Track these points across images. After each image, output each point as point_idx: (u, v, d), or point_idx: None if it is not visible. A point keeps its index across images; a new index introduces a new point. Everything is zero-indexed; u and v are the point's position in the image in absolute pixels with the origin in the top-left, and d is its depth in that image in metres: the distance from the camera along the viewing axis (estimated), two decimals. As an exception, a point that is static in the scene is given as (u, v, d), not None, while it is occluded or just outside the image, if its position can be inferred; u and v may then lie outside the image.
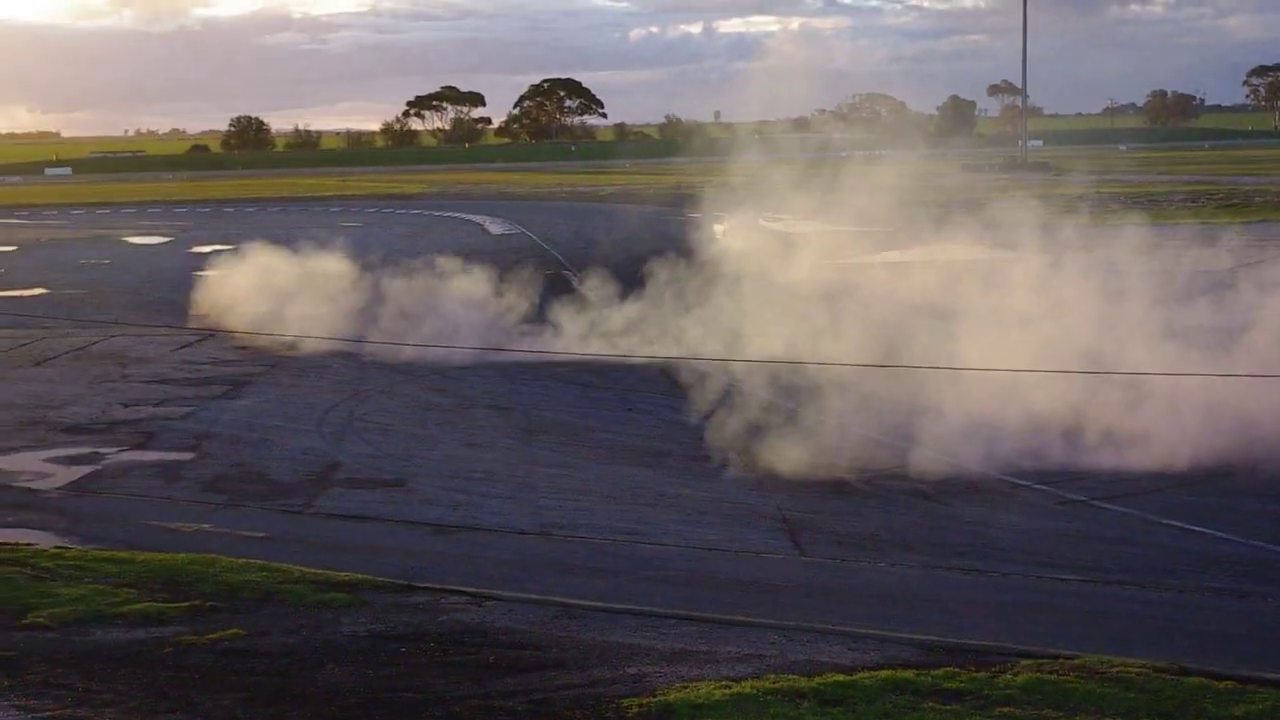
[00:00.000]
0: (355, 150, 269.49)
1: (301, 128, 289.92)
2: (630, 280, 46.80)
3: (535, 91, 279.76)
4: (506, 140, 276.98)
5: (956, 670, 15.96)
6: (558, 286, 53.58)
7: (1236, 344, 32.50)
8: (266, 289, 47.95)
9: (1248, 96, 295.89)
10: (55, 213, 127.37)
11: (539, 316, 45.92)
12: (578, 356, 41.14)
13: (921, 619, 18.72)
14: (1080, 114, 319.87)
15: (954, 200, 59.67)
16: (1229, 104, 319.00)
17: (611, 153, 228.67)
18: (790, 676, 15.77)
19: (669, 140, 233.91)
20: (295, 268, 50.57)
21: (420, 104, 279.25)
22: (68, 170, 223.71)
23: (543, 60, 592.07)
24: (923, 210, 51.43)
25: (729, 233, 53.22)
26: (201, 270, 58.49)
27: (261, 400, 37.23)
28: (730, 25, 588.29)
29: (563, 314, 45.30)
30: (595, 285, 47.50)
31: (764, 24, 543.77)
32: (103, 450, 31.00)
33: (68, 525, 24.13)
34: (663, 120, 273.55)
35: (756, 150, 50.43)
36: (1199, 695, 15.28)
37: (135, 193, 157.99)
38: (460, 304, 45.28)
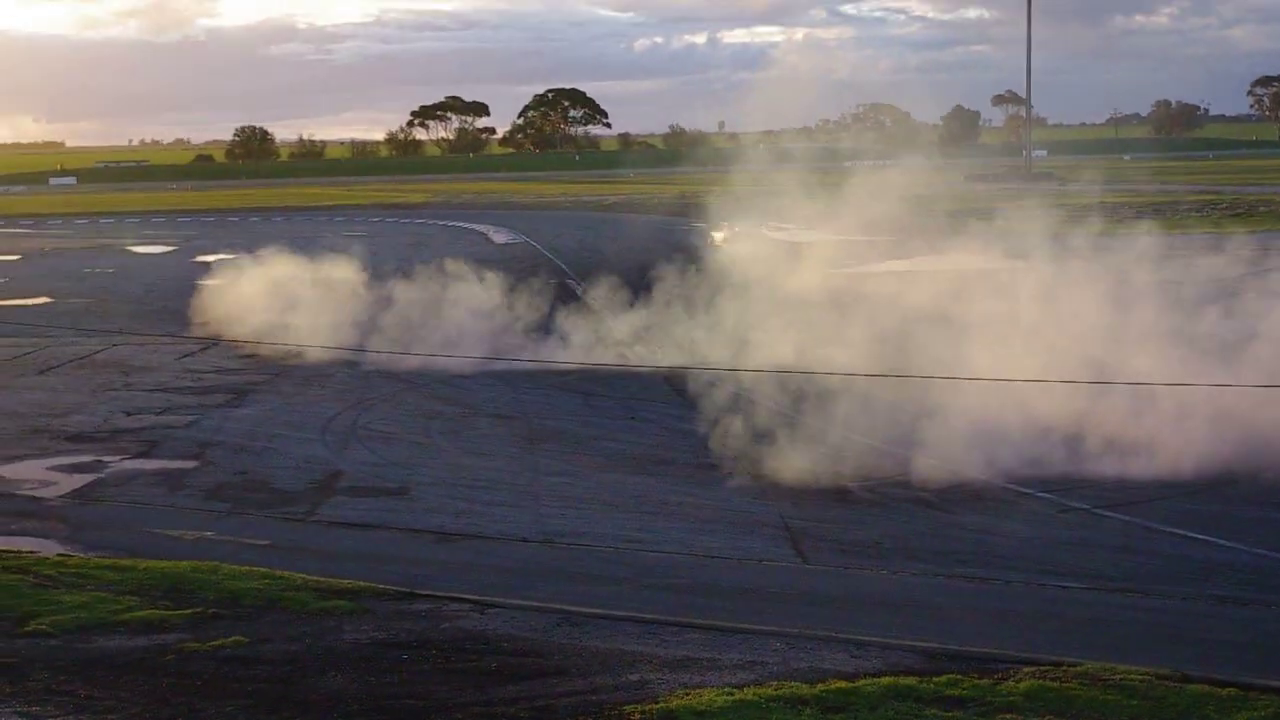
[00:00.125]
0: (360, 160, 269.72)
1: (306, 137, 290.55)
2: (634, 289, 46.83)
3: (539, 101, 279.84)
4: (511, 150, 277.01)
5: (959, 677, 15.94)
6: (561, 295, 53.64)
7: (1241, 353, 32.48)
8: (270, 298, 47.98)
9: (1252, 107, 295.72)
10: (60, 222, 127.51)
11: (542, 325, 45.92)
12: (581, 365, 41.20)
13: (924, 626, 18.71)
14: (1084, 124, 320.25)
15: (957, 210, 59.71)
16: (1233, 114, 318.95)
17: (616, 162, 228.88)
18: (793, 683, 15.75)
19: (673, 150, 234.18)
20: (298, 277, 50.62)
21: (425, 114, 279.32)
22: (72, 180, 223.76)
23: (547, 70, 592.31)
24: (925, 219, 51.49)
25: (733, 241, 53.26)
26: (205, 280, 58.50)
27: (264, 409, 37.26)
28: (735, 36, 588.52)
29: (566, 323, 45.34)
30: (599, 294, 47.52)
31: (768, 34, 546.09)
32: (106, 458, 31.01)
33: (70, 533, 24.12)
34: (667, 130, 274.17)
35: (760, 160, 50.48)
36: (1202, 702, 15.26)
37: (139, 202, 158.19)
38: (464, 313, 45.27)
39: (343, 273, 51.85)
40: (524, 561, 22.83)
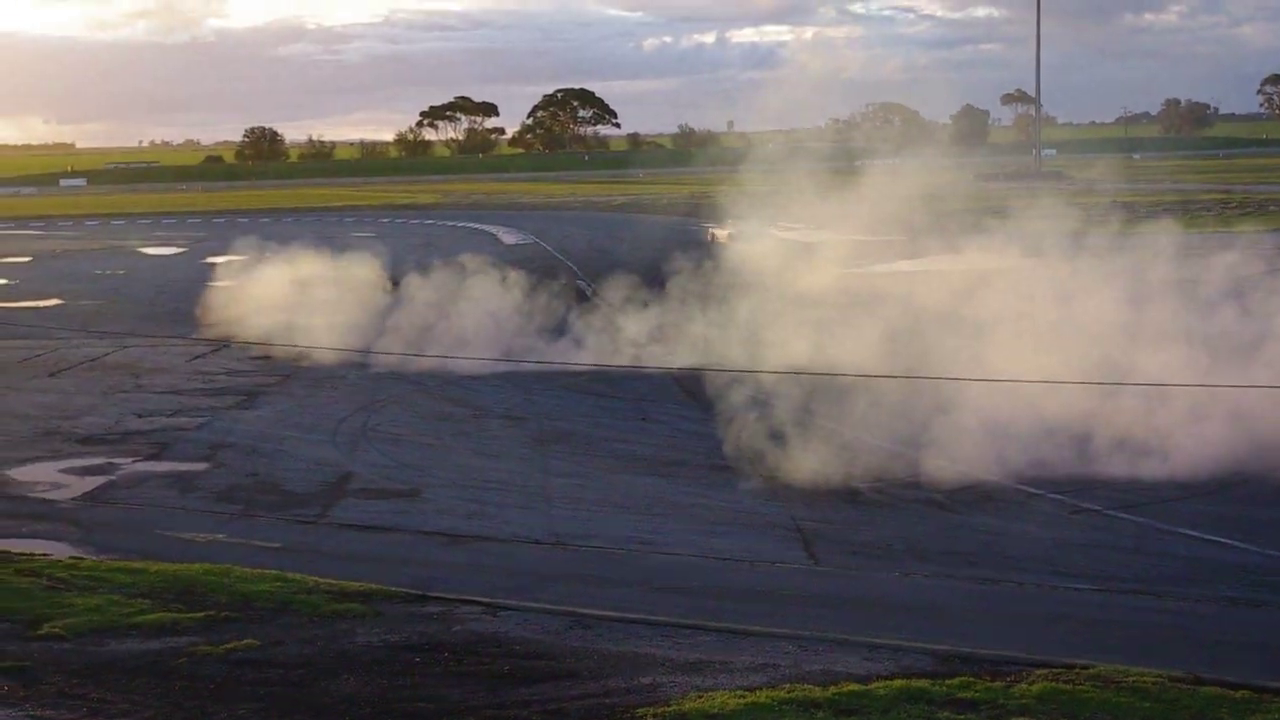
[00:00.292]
0: (369, 161, 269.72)
1: (315, 138, 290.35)
2: (644, 290, 46.77)
3: (548, 101, 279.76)
4: (520, 150, 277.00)
5: (971, 679, 15.92)
6: (571, 296, 53.60)
7: (1256, 353, 32.39)
8: (279, 300, 48.00)
9: (1262, 105, 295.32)
10: (70, 224, 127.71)
11: (553, 326, 45.90)
12: (592, 366, 41.20)
13: (936, 628, 18.69)
14: (1094, 123, 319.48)
15: (969, 209, 59.60)
16: (1243, 112, 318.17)
17: (625, 162, 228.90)
18: (805, 686, 15.74)
19: (682, 150, 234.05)
20: (308, 278, 50.64)
21: (434, 114, 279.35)
22: (83, 181, 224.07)
23: (556, 70, 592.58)
24: (937, 218, 51.37)
25: (742, 241, 53.15)
26: (215, 281, 58.54)
27: (275, 411, 37.30)
28: (743, 35, 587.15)
29: (576, 324, 45.35)
30: (609, 295, 47.51)
31: (777, 34, 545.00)
32: (117, 461, 31.06)
33: (82, 535, 24.17)
34: (676, 130, 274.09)
35: (769, 160, 50.38)
36: (1214, 704, 15.23)
37: (149, 204, 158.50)
38: (473, 314, 45.25)
39: (352, 274, 51.81)
40: (535, 563, 22.85)
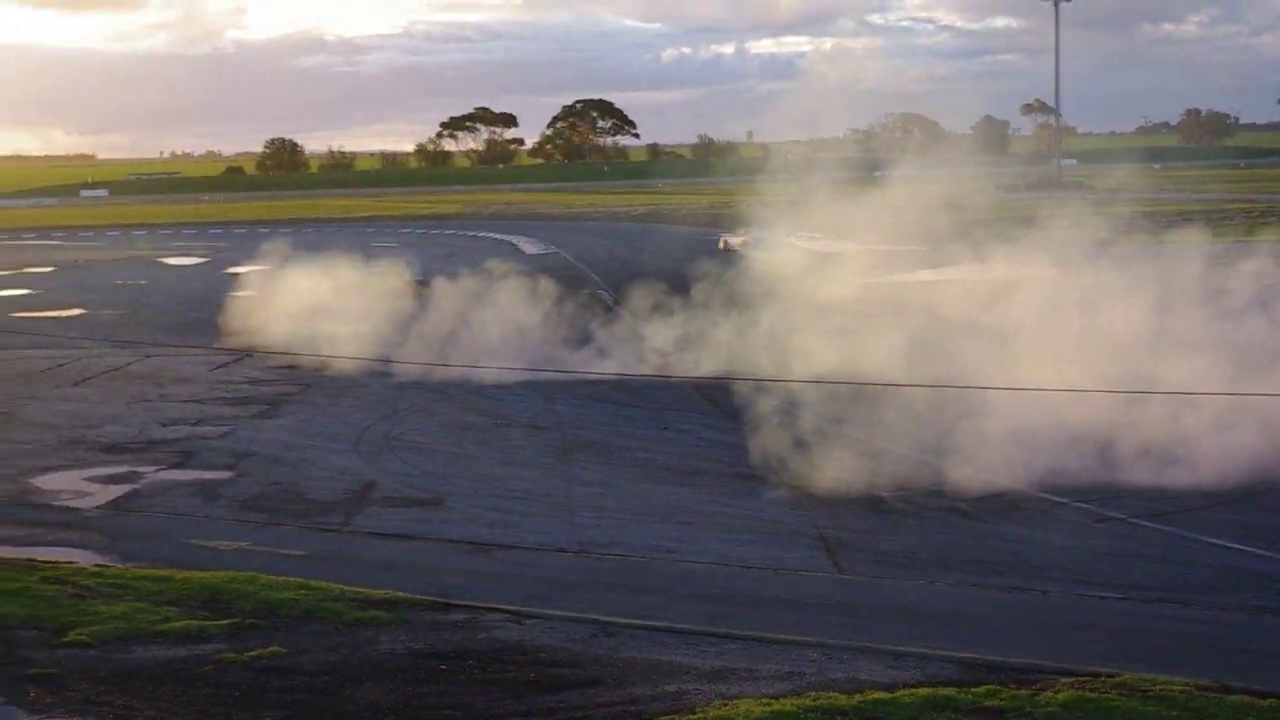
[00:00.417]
0: (389, 171, 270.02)
1: (336, 149, 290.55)
2: (664, 299, 46.82)
3: (568, 112, 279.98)
4: (539, 161, 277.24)
5: (998, 688, 15.87)
6: (592, 306, 53.68)
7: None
8: (302, 309, 48.06)
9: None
10: (91, 234, 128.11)
11: (574, 335, 45.92)
12: (613, 375, 41.22)
13: (961, 637, 18.66)
14: (1114, 133, 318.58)
15: (990, 219, 59.53)
16: (1264, 122, 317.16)
17: (644, 173, 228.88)
18: (830, 694, 15.71)
19: (702, 160, 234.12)
20: (330, 288, 50.71)
21: (454, 125, 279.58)
22: (104, 192, 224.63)
23: (575, 81, 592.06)
24: (956, 229, 51.34)
25: (760, 250, 53.17)
26: (236, 291, 58.66)
27: (298, 419, 37.34)
28: (762, 46, 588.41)
29: (598, 333, 45.41)
30: (629, 304, 47.52)
31: (796, 44, 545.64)
32: (141, 469, 31.11)
33: (108, 543, 24.19)
34: (695, 140, 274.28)
35: (789, 170, 50.39)
36: (1242, 713, 15.18)
37: (170, 214, 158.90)
38: (495, 323, 45.30)
39: (373, 283, 51.87)
40: (560, 572, 22.85)
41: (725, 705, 15.41)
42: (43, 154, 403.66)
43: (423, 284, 51.83)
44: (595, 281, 68.64)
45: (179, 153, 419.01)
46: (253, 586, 20.37)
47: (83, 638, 17.93)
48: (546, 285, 48.82)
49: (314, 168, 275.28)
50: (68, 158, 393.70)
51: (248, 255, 75.81)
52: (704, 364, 41.14)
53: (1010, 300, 38.20)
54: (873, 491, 28.53)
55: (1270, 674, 16.85)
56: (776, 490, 28.97)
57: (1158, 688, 15.77)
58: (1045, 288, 39.20)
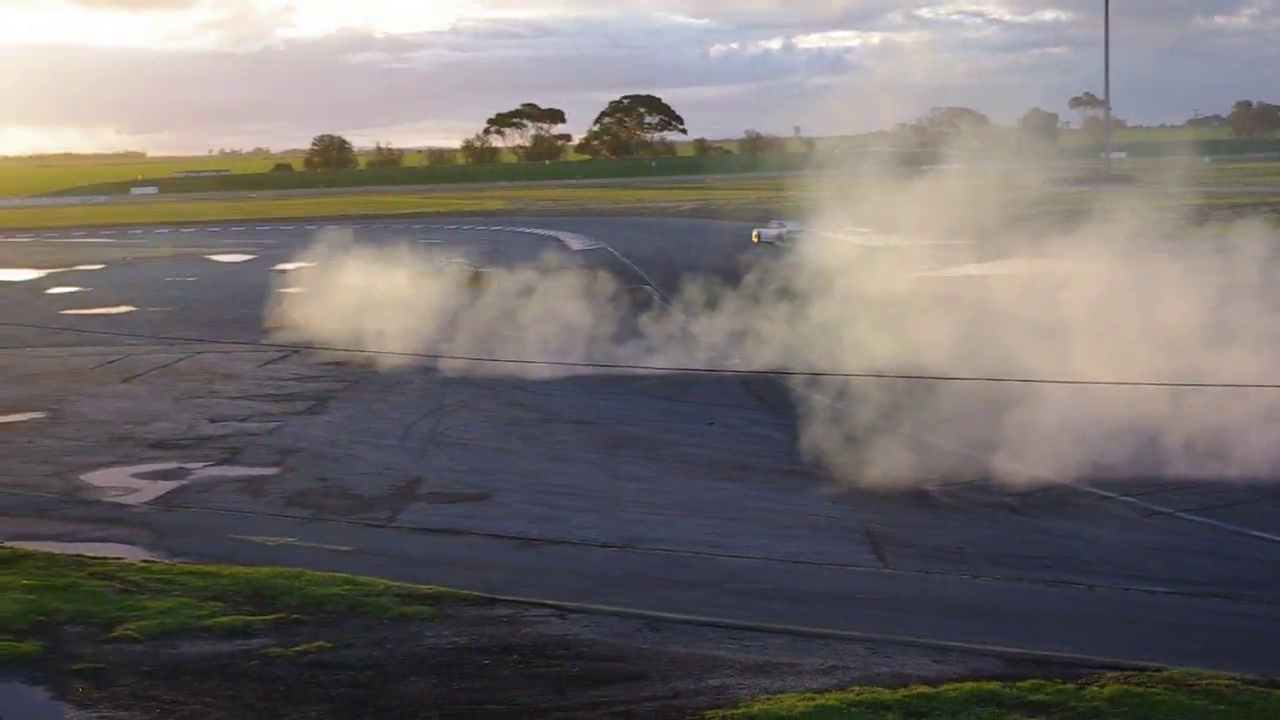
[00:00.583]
0: (437, 168, 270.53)
1: (383, 146, 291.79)
2: (712, 295, 46.77)
3: (615, 108, 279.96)
4: (587, 157, 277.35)
5: (1042, 682, 15.80)
6: (639, 301, 53.64)
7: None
8: (349, 306, 48.19)
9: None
10: (141, 231, 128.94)
11: (621, 331, 45.89)
12: (660, 370, 41.16)
13: (1006, 631, 18.59)
14: (1164, 125, 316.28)
15: (1037, 213, 59.26)
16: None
17: (692, 168, 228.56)
18: (874, 688, 15.68)
19: (750, 156, 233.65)
20: (376, 285, 50.86)
21: (501, 121, 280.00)
22: (153, 189, 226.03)
23: (623, 77, 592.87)
24: (1005, 222, 51.10)
25: (802, 243, 53.08)
26: (284, 288, 58.91)
27: (344, 416, 37.46)
28: (810, 41, 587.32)
29: (645, 328, 45.37)
30: (677, 300, 47.46)
31: (844, 39, 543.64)
32: (189, 465, 31.29)
33: (155, 539, 24.36)
34: (743, 136, 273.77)
35: (838, 165, 50.26)
36: (1290, 708, 15.07)
37: (219, 211, 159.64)
38: (541, 319, 45.32)
39: (421, 280, 52.01)
40: (605, 567, 22.85)
41: (769, 700, 15.39)
42: (93, 152, 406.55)
43: (477, 276, 51.89)
44: (642, 276, 68.62)
45: (228, 150, 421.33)
46: (298, 582, 20.47)
47: (130, 633, 18.05)
48: (593, 280, 48.85)
49: (362, 164, 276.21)
50: (118, 156, 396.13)
51: (295, 252, 75.97)
52: (751, 359, 41.05)
53: (1058, 294, 37.94)
54: (919, 486, 28.42)
55: (1319, 669, 16.69)
56: (823, 485, 28.89)
57: (1204, 682, 15.67)
58: (1093, 281, 38.88)
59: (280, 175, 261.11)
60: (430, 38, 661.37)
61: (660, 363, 42.02)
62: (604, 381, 41.15)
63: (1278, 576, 22.75)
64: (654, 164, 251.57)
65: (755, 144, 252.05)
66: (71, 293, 73.70)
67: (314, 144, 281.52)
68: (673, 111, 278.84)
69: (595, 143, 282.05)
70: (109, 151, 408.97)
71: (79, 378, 44.13)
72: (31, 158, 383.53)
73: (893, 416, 31.92)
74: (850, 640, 17.89)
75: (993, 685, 15.72)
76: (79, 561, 21.89)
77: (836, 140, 61.18)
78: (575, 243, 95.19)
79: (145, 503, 27.77)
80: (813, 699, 15.33)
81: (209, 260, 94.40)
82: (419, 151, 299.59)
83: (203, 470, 30.86)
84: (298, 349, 47.97)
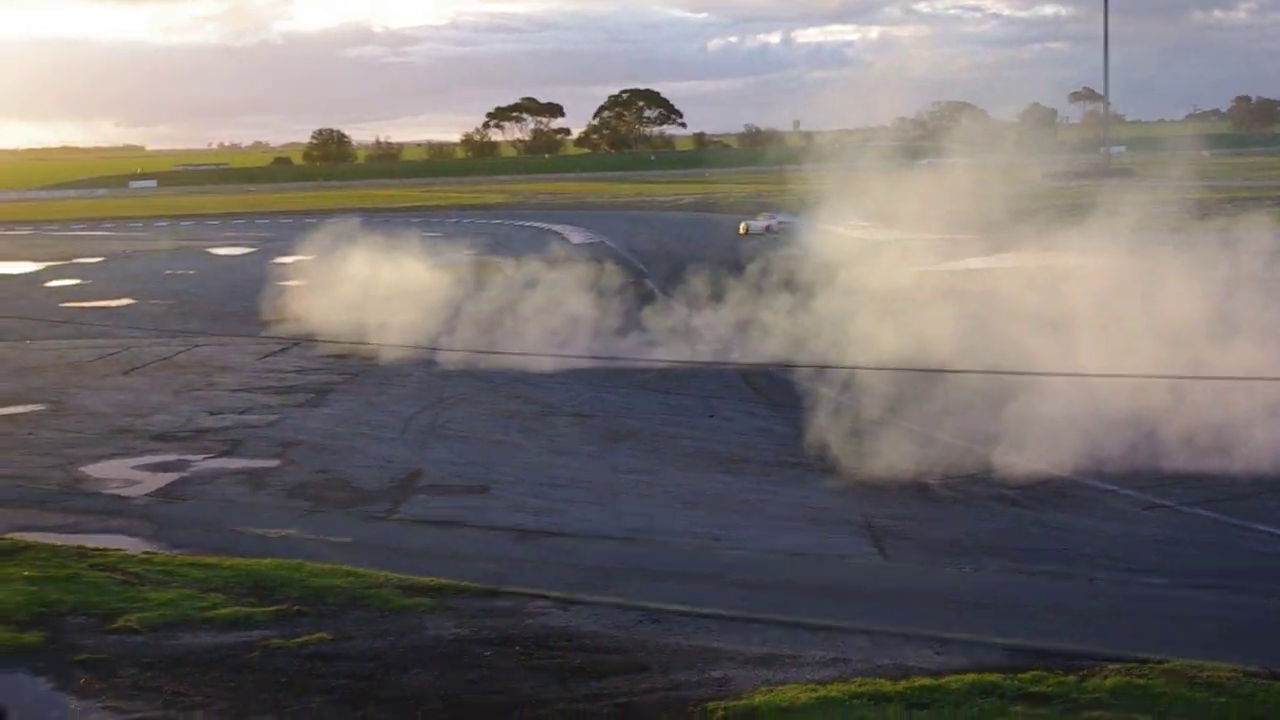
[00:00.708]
0: (436, 161, 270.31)
1: (383, 139, 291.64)
2: (710, 288, 46.78)
3: (614, 102, 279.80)
4: (586, 151, 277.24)
5: (1044, 674, 15.79)
6: (638, 294, 53.64)
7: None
8: (348, 299, 48.17)
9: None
10: (140, 224, 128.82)
11: (620, 324, 45.87)
12: (659, 363, 41.18)
13: (1008, 623, 18.58)
14: (1163, 120, 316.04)
15: (1037, 207, 59.26)
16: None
17: (691, 162, 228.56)
18: (876, 680, 15.67)
19: (748, 150, 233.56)
20: (376, 277, 50.83)
21: (500, 115, 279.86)
22: (153, 183, 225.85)
23: (621, 71, 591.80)
24: (1005, 216, 51.11)
25: (797, 235, 53.08)
26: (283, 281, 58.90)
27: (344, 408, 37.47)
28: (809, 35, 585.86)
29: (644, 321, 45.36)
30: (675, 293, 47.43)
31: (843, 33, 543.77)
32: (189, 457, 31.28)
33: (156, 531, 24.32)
34: (742, 130, 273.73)
35: (836, 158, 50.25)
36: (1292, 700, 15.07)
37: (218, 205, 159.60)
38: (540, 312, 45.32)
39: (420, 273, 51.99)
40: (605, 559, 22.85)
41: (771, 691, 15.38)
42: (92, 145, 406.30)
43: (462, 279, 51.82)
44: (641, 270, 68.60)
45: (227, 144, 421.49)
46: (299, 573, 20.45)
47: (131, 624, 18.04)
48: (592, 273, 48.84)
49: (361, 158, 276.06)
50: (117, 149, 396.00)
51: (294, 245, 75.98)
52: (750, 351, 41.05)
53: (1059, 287, 37.95)
54: (920, 479, 28.44)
55: (1320, 661, 16.69)
56: (823, 478, 28.90)
57: (1206, 674, 15.66)
58: (1093, 274, 38.88)
59: (279, 169, 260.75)
60: (429, 32, 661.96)
61: (660, 355, 42.05)
62: (604, 374, 41.16)
63: (1278, 568, 22.75)
64: (653, 158, 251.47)
65: (754, 138, 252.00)
66: (71, 285, 73.73)
67: (313, 138, 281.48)
68: (672, 105, 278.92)
69: (594, 136, 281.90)
70: (108, 145, 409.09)
71: (79, 370, 44.11)
72: (30, 151, 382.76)
73: (893, 409, 31.92)
74: (852, 632, 17.87)
75: (994, 677, 15.70)
76: (80, 553, 21.85)
77: (836, 134, 61.09)
78: (575, 236, 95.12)
79: (146, 495, 27.74)
80: (815, 690, 15.32)
81: (209, 253, 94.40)
82: (418, 145, 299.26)
83: (203, 462, 30.84)
84: (298, 342, 47.96)
